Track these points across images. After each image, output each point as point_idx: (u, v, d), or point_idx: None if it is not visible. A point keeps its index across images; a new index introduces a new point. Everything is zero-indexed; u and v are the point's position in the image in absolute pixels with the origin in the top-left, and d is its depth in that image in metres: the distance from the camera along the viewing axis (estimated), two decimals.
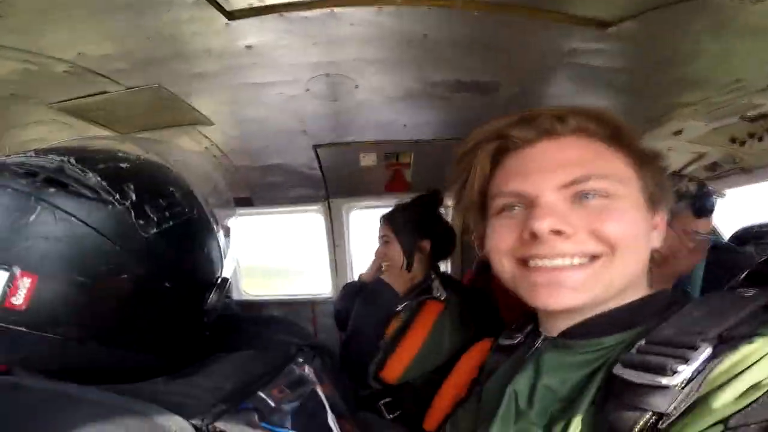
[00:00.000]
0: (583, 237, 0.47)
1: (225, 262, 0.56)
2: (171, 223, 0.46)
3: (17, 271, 0.39)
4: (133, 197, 0.43)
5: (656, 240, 0.53)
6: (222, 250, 0.55)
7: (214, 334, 0.56)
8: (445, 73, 1.09)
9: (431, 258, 1.27)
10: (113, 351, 0.44)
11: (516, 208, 0.51)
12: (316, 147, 1.43)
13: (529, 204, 0.49)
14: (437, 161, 1.51)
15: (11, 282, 0.38)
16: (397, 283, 1.24)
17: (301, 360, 0.61)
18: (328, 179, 1.64)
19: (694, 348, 0.38)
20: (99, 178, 0.42)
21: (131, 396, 0.38)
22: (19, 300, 0.39)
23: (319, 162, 1.52)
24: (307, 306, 1.85)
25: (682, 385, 0.36)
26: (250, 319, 0.73)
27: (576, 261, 0.48)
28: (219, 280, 0.53)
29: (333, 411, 0.57)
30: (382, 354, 1.09)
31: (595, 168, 0.49)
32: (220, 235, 0.56)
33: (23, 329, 0.39)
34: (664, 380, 0.37)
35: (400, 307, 1.22)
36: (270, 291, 2.07)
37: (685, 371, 0.37)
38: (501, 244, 0.52)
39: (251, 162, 1.50)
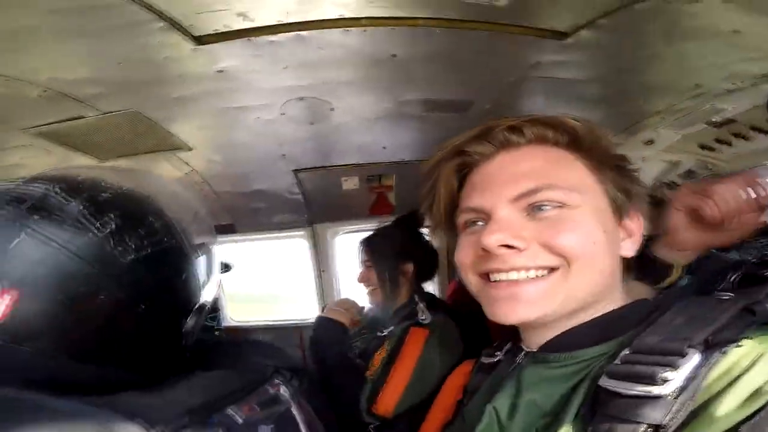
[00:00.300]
0: (535, 250, 0.47)
1: (204, 288, 0.58)
2: (149, 250, 0.48)
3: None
4: (113, 226, 0.46)
5: (628, 248, 0.52)
6: (200, 277, 0.57)
7: (194, 355, 0.57)
8: (416, 92, 1.12)
9: (415, 280, 1.25)
10: (87, 367, 0.46)
11: (478, 223, 0.51)
12: (296, 171, 1.44)
13: (487, 218, 0.50)
14: (420, 182, 1.52)
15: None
16: (384, 306, 1.22)
17: (277, 381, 0.61)
18: (311, 204, 1.64)
19: (682, 355, 0.37)
20: (81, 207, 0.45)
21: (98, 405, 0.39)
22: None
23: (301, 186, 1.53)
24: (295, 331, 1.79)
25: (675, 395, 0.35)
26: (231, 342, 0.76)
27: (532, 274, 0.48)
28: (197, 305, 0.55)
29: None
30: (371, 387, 1.05)
31: (547, 178, 0.48)
32: (199, 262, 0.57)
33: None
34: (656, 390, 0.36)
35: (385, 332, 1.20)
36: (256, 317, 2.02)
37: (676, 379, 0.35)
38: (465, 259, 0.52)
39: (232, 188, 1.50)
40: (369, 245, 1.30)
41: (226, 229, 1.68)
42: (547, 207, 0.47)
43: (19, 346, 0.43)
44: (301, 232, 1.79)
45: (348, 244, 1.83)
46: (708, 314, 0.40)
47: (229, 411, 0.50)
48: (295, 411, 0.59)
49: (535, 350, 0.52)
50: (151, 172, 1.29)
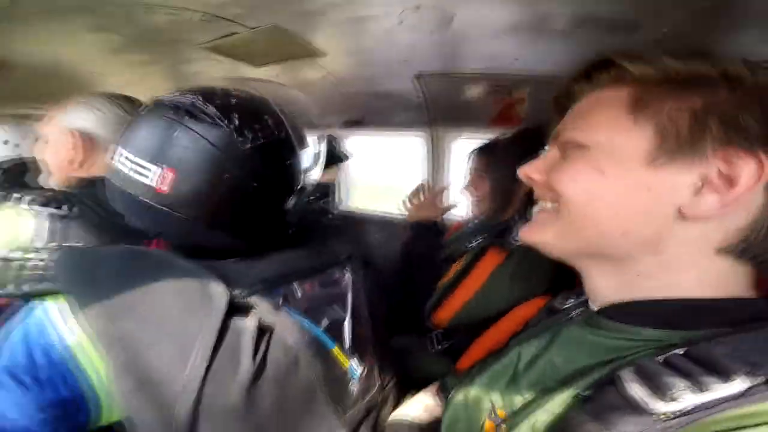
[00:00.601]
0: (544, 185, 0.51)
1: (307, 174, 0.69)
2: (261, 141, 0.61)
3: (165, 167, 0.58)
4: (236, 122, 0.60)
5: (704, 205, 0.39)
6: (304, 165, 0.68)
7: (298, 231, 0.71)
8: (563, 4, 0.91)
9: (526, 201, 1.12)
10: (215, 233, 0.61)
11: None
12: (417, 76, 1.43)
13: None
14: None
15: (161, 174, 0.58)
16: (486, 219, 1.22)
17: (345, 268, 0.74)
18: (432, 108, 1.64)
19: (724, 379, 0.30)
20: (215, 109, 0.60)
21: (207, 268, 0.54)
22: (165, 187, 0.57)
23: (422, 91, 1.53)
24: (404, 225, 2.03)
25: (669, 417, 0.31)
26: (325, 227, 0.85)
27: (548, 205, 0.51)
28: (298, 187, 0.68)
29: (353, 317, 0.69)
30: (438, 296, 1.08)
31: (576, 118, 0.49)
32: (304, 153, 0.68)
33: (165, 209, 0.58)
34: (653, 403, 0.32)
35: (473, 244, 1.18)
36: (372, 206, 2.30)
37: (685, 402, 0.31)
38: None
39: (362, 88, 1.61)
40: (486, 154, 1.23)
41: (356, 124, 1.88)
42: (570, 147, 0.48)
43: (175, 212, 0.58)
44: (420, 133, 1.85)
45: (464, 151, 1.82)
46: None
47: (294, 285, 0.62)
48: (349, 297, 0.71)
49: (596, 310, 0.49)
50: (283, 84, 1.49)
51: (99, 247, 0.71)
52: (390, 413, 0.75)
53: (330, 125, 1.95)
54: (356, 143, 2.08)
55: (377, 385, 0.72)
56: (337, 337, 0.66)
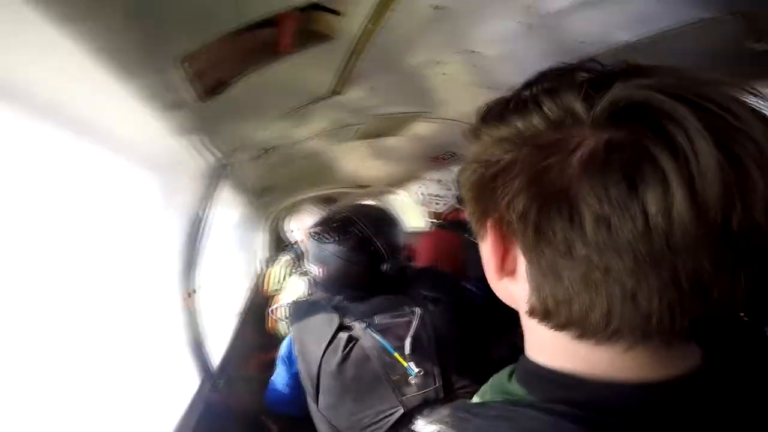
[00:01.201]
0: None
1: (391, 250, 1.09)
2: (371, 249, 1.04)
3: (320, 266, 1.08)
4: (338, 237, 1.06)
5: None
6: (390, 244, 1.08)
7: (395, 282, 1.08)
8: None
9: None
10: (346, 292, 1.08)
11: None
12: None
13: None
14: None
15: (319, 269, 1.08)
16: None
17: (415, 306, 1.02)
18: None
19: None
20: (330, 232, 1.08)
21: (336, 308, 1.00)
22: (321, 275, 1.08)
23: None
24: None
25: None
26: (413, 275, 1.18)
27: None
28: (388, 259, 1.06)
29: (415, 337, 0.97)
30: None
31: None
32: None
33: (327, 285, 1.11)
34: None
35: None
36: None
37: None
38: None
39: None
40: None
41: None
42: None
43: (331, 284, 1.09)
44: None
45: None
46: None
47: (376, 318, 1.00)
48: (413, 324, 0.98)
49: None
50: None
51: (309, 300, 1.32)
52: None
53: None
54: None
55: (437, 385, 0.96)
56: (398, 348, 0.96)
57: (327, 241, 1.05)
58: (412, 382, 0.94)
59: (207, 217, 1.37)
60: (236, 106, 1.05)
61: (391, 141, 2.11)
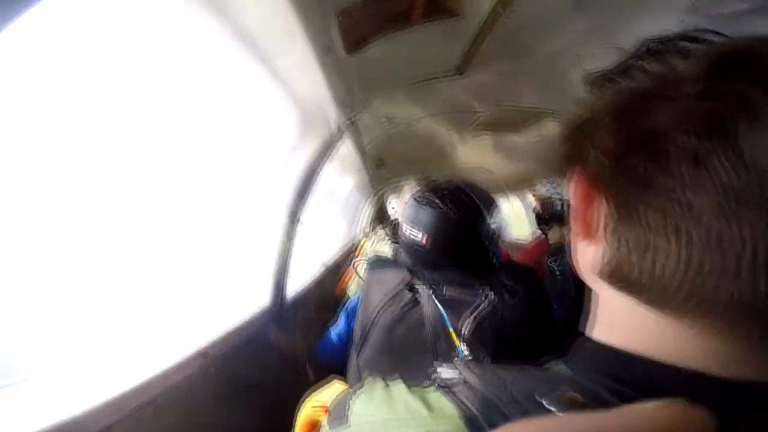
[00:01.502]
0: None
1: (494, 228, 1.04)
2: (461, 212, 1.00)
3: (420, 230, 1.00)
4: (448, 204, 1.00)
5: None
6: (493, 224, 1.03)
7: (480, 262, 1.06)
8: None
9: None
10: (447, 263, 1.00)
11: None
12: None
13: None
14: None
15: (423, 235, 0.99)
16: None
17: (489, 290, 0.98)
18: None
19: None
20: (437, 198, 1.01)
21: (411, 271, 0.99)
22: (425, 242, 0.99)
23: None
24: None
25: None
26: (502, 264, 1.14)
27: None
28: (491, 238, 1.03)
29: (477, 320, 0.95)
30: None
31: None
32: (494, 215, 1.04)
33: (424, 253, 1.00)
34: None
35: None
36: None
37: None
38: None
39: None
40: None
41: None
42: None
43: (430, 252, 0.99)
44: None
45: None
46: None
47: (445, 288, 0.97)
48: (481, 307, 0.95)
49: None
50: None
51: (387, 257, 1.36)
52: None
53: None
54: None
55: None
56: (455, 324, 0.93)
57: (435, 206, 1.01)
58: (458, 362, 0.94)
59: (324, 164, 1.56)
60: (371, 68, 1.18)
61: (516, 137, 2.03)
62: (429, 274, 0.99)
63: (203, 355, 1.00)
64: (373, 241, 2.74)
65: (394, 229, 2.38)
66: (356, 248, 2.95)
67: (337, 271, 2.56)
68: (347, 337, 1.09)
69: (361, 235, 3.79)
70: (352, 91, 1.26)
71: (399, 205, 2.44)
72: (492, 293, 0.97)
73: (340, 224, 3.30)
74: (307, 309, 1.95)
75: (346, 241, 3.28)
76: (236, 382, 1.15)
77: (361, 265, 1.97)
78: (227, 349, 1.11)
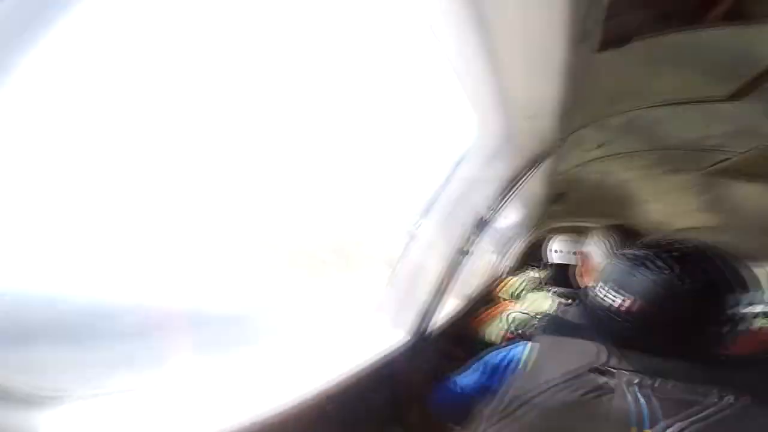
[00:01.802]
0: None
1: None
2: (697, 284, 0.76)
3: (628, 295, 0.80)
4: (678, 270, 0.77)
5: None
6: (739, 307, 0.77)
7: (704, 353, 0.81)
8: None
9: None
10: (646, 332, 0.79)
11: None
12: None
13: None
14: None
15: (627, 300, 0.79)
16: None
17: (719, 398, 0.72)
18: None
19: None
20: (662, 262, 0.79)
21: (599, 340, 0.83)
22: (626, 306, 0.79)
23: None
24: None
25: None
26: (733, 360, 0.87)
27: None
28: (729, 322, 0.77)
29: None
30: None
31: None
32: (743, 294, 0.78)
33: (620, 320, 0.80)
34: None
35: None
36: None
37: None
38: None
39: None
40: None
41: None
42: None
43: (632, 324, 0.79)
44: None
45: None
46: None
47: (658, 381, 0.74)
48: (706, 414, 0.69)
49: None
50: None
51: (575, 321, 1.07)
52: None
53: None
54: None
55: None
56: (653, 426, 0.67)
57: (656, 270, 0.80)
58: None
59: (519, 188, 1.37)
60: (618, 74, 1.00)
61: (743, 190, 1.49)
62: (637, 356, 0.78)
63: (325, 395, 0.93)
64: (523, 282, 2.44)
65: (556, 275, 2.09)
66: (498, 284, 2.69)
67: (477, 304, 2.36)
68: (472, 393, 0.95)
69: (506, 271, 3.49)
70: (584, 101, 1.08)
71: (564, 248, 2.14)
72: (731, 396, 0.69)
73: (489, 255, 3.07)
74: (446, 345, 1.80)
75: (492, 273, 3.04)
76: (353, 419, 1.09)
77: (511, 316, 1.78)
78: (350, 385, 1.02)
